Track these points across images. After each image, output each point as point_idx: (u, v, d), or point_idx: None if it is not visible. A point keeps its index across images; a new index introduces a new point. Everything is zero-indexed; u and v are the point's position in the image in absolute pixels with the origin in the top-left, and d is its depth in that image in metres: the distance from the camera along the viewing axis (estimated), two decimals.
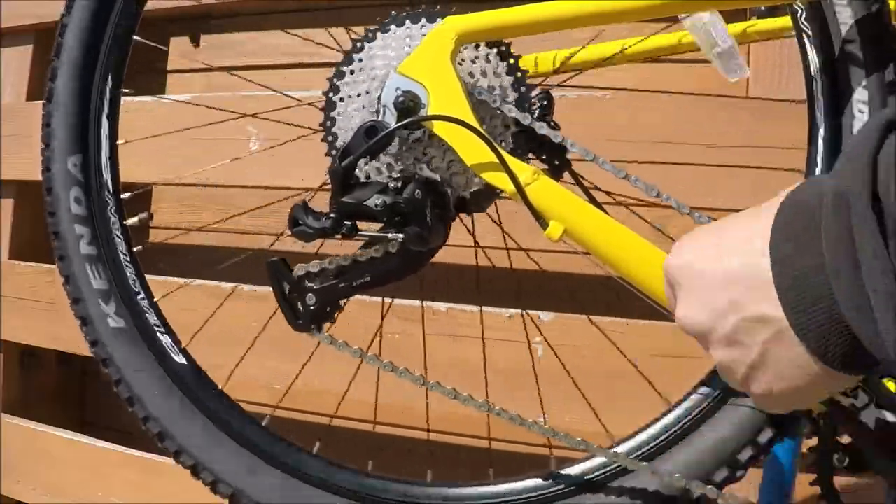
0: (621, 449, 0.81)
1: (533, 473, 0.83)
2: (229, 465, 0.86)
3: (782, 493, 1.04)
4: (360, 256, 0.78)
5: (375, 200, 0.75)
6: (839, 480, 0.75)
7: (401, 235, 0.75)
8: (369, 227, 0.78)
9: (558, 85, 1.01)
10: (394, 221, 0.75)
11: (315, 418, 1.42)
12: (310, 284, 0.79)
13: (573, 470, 0.82)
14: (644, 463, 0.78)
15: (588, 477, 0.81)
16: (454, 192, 0.80)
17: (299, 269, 0.79)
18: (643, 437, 0.81)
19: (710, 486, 0.76)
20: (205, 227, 1.76)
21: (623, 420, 0.91)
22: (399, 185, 0.76)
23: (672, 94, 1.35)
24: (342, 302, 0.81)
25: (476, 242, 0.89)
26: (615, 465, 0.80)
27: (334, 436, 1.44)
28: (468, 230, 0.89)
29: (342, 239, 0.77)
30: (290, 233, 0.78)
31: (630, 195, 0.88)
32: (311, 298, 0.78)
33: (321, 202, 0.80)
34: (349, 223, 0.76)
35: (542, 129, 0.77)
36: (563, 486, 0.81)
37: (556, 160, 0.84)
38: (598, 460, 0.81)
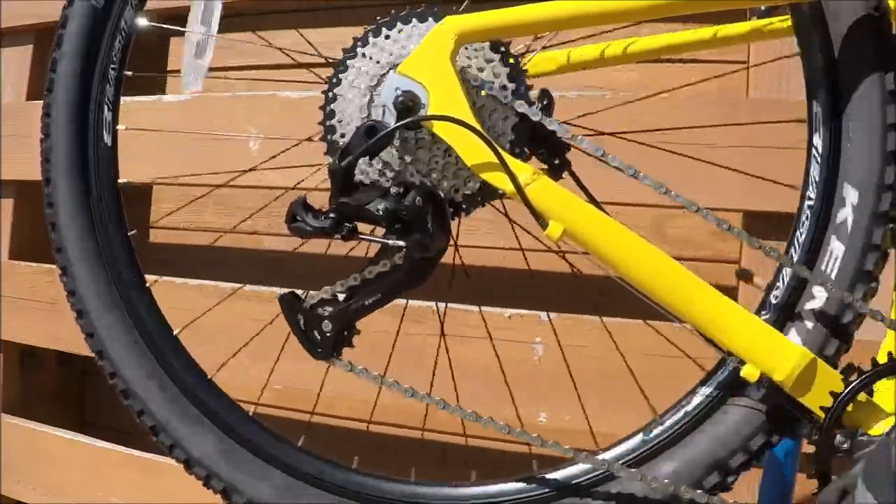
0: (615, 452, 0.80)
1: (523, 475, 0.82)
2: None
3: (782, 493, 1.04)
4: (367, 274, 0.78)
5: (377, 206, 0.75)
6: None
7: (402, 243, 0.75)
8: (367, 231, 0.78)
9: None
10: (394, 228, 0.75)
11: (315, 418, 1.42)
12: (323, 312, 0.79)
13: (563, 473, 0.81)
14: (632, 469, 0.78)
15: (576, 481, 0.80)
16: (450, 194, 0.80)
17: (310, 299, 0.79)
18: (635, 440, 0.80)
19: (699, 491, 0.76)
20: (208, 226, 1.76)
21: (623, 420, 0.91)
22: (400, 191, 0.76)
23: (672, 94, 1.35)
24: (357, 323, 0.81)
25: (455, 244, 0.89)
26: (605, 469, 0.80)
27: (334, 435, 1.45)
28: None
29: (342, 240, 0.77)
30: (287, 228, 0.78)
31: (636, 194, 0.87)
32: (326, 325, 0.78)
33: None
34: (349, 225, 0.76)
35: (551, 125, 0.77)
36: (550, 489, 0.80)
37: (555, 160, 0.84)
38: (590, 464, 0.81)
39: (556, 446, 0.78)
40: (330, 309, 0.79)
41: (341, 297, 0.79)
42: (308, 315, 0.79)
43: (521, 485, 0.82)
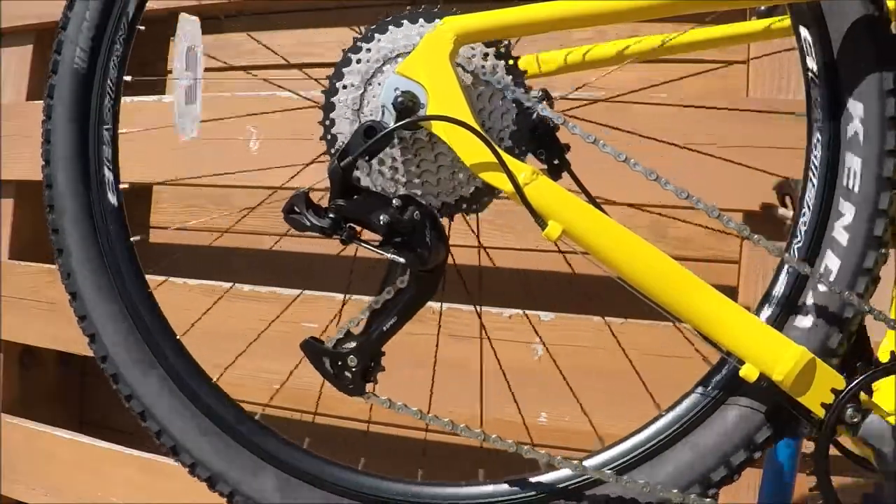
0: (611, 453, 0.80)
1: (511, 478, 0.82)
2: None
3: (782, 493, 1.04)
4: (376, 304, 0.79)
5: (378, 216, 0.76)
6: (838, 480, 0.75)
7: (402, 259, 0.76)
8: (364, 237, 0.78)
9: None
10: (393, 241, 0.76)
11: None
12: (346, 348, 0.79)
13: (552, 476, 0.81)
14: (611, 473, 0.78)
15: (563, 484, 0.80)
16: (446, 196, 0.80)
17: (331, 340, 0.80)
18: (629, 444, 0.80)
19: (693, 496, 0.76)
20: (205, 225, 1.76)
21: (622, 420, 0.91)
22: (400, 204, 0.76)
23: (672, 94, 1.35)
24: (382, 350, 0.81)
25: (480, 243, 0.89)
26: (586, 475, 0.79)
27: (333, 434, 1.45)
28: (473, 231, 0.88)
29: (341, 243, 0.77)
30: (283, 217, 0.78)
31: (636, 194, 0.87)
32: (352, 360, 0.79)
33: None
34: (348, 228, 0.76)
35: (574, 129, 0.77)
36: (538, 491, 0.80)
37: (554, 160, 0.84)
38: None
39: (537, 453, 0.78)
40: (352, 344, 0.80)
41: (360, 330, 0.80)
42: (332, 355, 0.79)
43: (504, 487, 0.82)
